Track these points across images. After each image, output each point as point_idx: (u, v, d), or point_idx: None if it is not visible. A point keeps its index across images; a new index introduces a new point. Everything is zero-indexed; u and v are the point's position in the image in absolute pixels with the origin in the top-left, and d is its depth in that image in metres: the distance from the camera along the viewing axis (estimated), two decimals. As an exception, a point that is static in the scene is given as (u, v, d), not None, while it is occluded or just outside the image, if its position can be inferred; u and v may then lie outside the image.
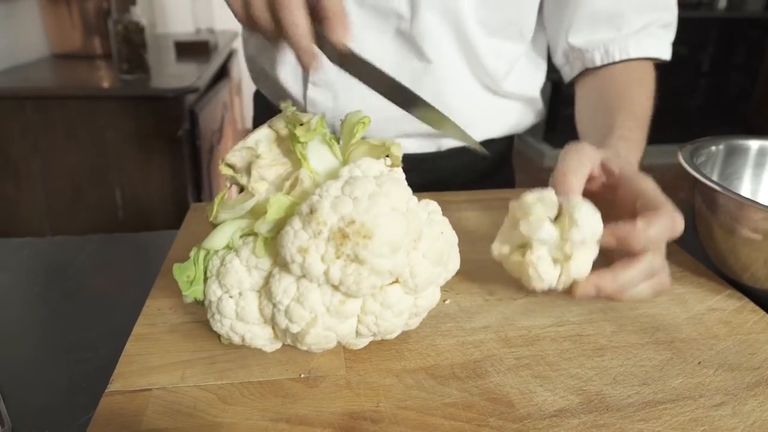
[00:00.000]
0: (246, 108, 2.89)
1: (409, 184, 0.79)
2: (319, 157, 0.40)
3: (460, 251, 0.60)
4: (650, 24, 0.74)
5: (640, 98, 0.70)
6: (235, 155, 0.41)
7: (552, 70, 0.90)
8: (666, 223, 0.45)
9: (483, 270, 0.57)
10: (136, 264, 0.68)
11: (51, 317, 0.56)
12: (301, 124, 0.38)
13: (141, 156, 1.68)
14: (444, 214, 0.69)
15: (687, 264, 0.60)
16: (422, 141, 0.84)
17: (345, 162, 0.41)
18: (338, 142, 0.43)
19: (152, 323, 0.49)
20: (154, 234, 0.75)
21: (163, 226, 1.68)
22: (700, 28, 3.70)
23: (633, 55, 0.73)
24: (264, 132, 0.41)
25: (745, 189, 0.65)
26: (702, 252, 0.60)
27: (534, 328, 0.48)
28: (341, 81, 0.77)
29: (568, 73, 0.81)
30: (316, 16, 0.49)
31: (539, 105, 0.90)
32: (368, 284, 0.35)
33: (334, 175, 0.38)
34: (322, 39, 0.49)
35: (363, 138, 0.42)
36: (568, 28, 0.76)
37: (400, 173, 0.43)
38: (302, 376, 0.43)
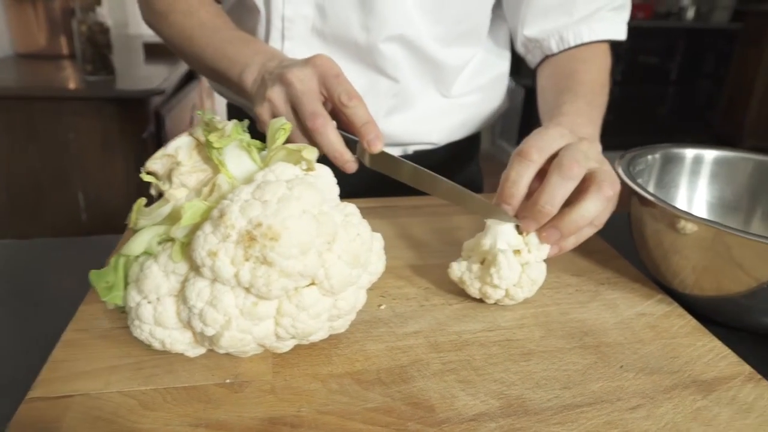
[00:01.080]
0: (218, 111, 2.87)
1: (376, 188, 0.80)
2: (237, 162, 0.40)
3: (401, 257, 0.61)
4: (601, 8, 0.77)
5: (587, 76, 0.72)
6: (156, 163, 0.41)
7: (527, 75, 0.91)
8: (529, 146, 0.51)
9: (423, 276, 0.58)
10: (85, 268, 0.67)
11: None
12: (217, 131, 0.39)
13: (105, 158, 1.66)
14: (389, 220, 0.70)
15: (623, 270, 0.61)
16: (389, 148, 0.85)
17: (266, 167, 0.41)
18: (263, 149, 0.43)
19: (84, 328, 0.48)
20: (109, 237, 0.74)
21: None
22: (669, 38, 3.77)
23: (586, 40, 0.76)
24: (184, 139, 0.41)
25: (682, 196, 0.66)
26: (639, 258, 0.61)
27: (465, 333, 0.49)
28: None
29: (531, 61, 0.84)
30: (343, 122, 0.58)
31: (501, 92, 0.91)
32: (278, 286, 0.35)
33: (252, 180, 0.38)
34: (352, 143, 0.58)
35: (283, 144, 0.42)
36: (523, 22, 0.79)
37: (323, 175, 0.43)
38: (227, 381, 0.43)
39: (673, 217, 0.52)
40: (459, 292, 0.55)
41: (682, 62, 3.84)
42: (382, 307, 0.52)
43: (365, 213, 0.71)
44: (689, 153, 0.66)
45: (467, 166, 0.95)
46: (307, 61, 0.58)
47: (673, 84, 3.88)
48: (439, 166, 0.89)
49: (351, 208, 0.41)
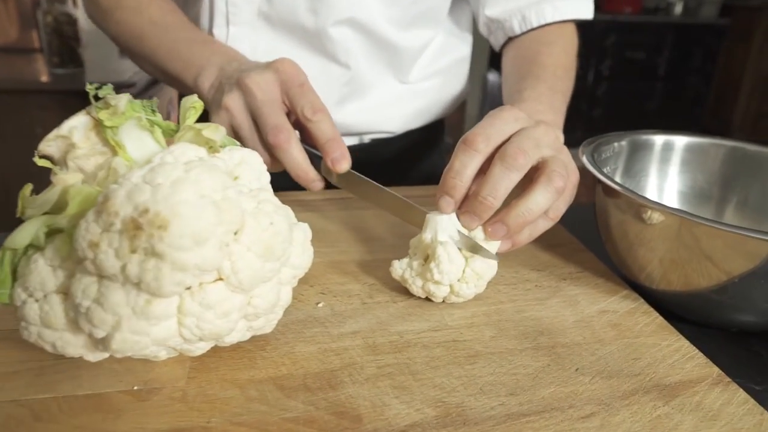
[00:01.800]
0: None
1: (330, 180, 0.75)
2: (138, 144, 0.36)
3: (349, 251, 0.57)
4: None
5: (550, 59, 0.68)
6: (50, 145, 0.36)
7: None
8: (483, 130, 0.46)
9: (370, 272, 0.53)
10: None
11: None
12: (109, 107, 0.34)
13: (73, 153, 1.61)
14: (344, 212, 0.65)
15: (588, 263, 0.57)
16: (344, 138, 0.81)
17: (173, 149, 0.36)
18: (177, 130, 0.39)
19: (-12, 330, 0.44)
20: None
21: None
22: (657, 33, 3.74)
23: (550, 20, 0.71)
24: (80, 119, 0.36)
25: (652, 185, 0.62)
26: (606, 252, 0.57)
27: (407, 333, 0.45)
28: None
29: (494, 43, 0.80)
30: (307, 135, 0.54)
31: (462, 77, 0.87)
32: (171, 281, 0.31)
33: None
34: (317, 158, 0.54)
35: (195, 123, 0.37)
36: (484, 2, 0.75)
37: (250, 160, 0.39)
38: (135, 388, 0.38)
39: (638, 206, 0.48)
40: (405, 289, 0.50)
41: (670, 57, 3.81)
42: (321, 305, 0.48)
43: (321, 204, 0.68)
44: (658, 140, 0.62)
45: (429, 155, 0.91)
46: (268, 66, 0.54)
47: (661, 79, 3.85)
48: (398, 155, 0.85)
49: (266, 194, 0.36)
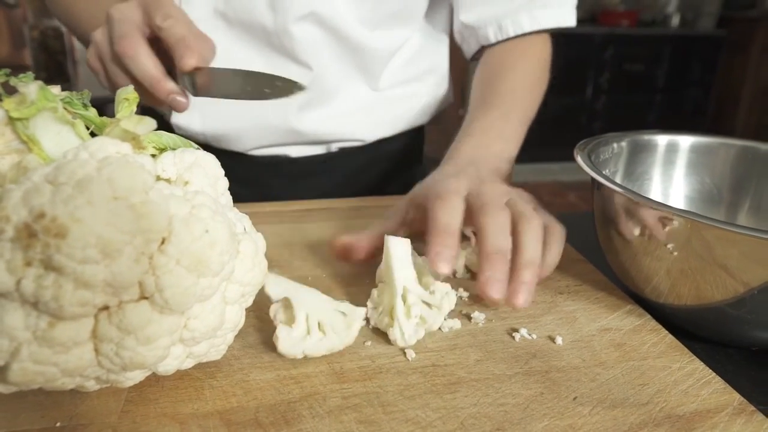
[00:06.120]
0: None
1: (304, 191, 0.70)
2: (57, 139, 0.31)
3: (329, 264, 0.51)
4: None
5: (508, 84, 0.64)
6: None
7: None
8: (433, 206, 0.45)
9: (349, 287, 0.48)
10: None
11: None
12: (18, 96, 0.29)
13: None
14: (305, 224, 0.60)
15: (587, 276, 0.51)
16: (309, 146, 0.76)
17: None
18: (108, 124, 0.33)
19: None
20: None
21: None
22: (654, 45, 3.71)
23: (528, 29, 0.66)
24: (-7, 114, 0.31)
25: (656, 189, 0.57)
26: (607, 263, 0.52)
27: (380, 357, 0.39)
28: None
29: (467, 51, 0.75)
30: (167, 49, 0.49)
31: (443, 85, 0.82)
32: (74, 300, 0.25)
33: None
34: (177, 72, 0.49)
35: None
36: (460, 6, 0.70)
37: (205, 163, 0.34)
38: (58, 424, 0.33)
39: (641, 209, 0.42)
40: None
41: (668, 70, 3.78)
42: (284, 326, 0.42)
43: (312, 215, 0.62)
44: (661, 140, 0.56)
45: (409, 167, 0.84)
46: None
47: (660, 92, 3.81)
48: (370, 166, 0.79)
49: (202, 198, 0.31)
